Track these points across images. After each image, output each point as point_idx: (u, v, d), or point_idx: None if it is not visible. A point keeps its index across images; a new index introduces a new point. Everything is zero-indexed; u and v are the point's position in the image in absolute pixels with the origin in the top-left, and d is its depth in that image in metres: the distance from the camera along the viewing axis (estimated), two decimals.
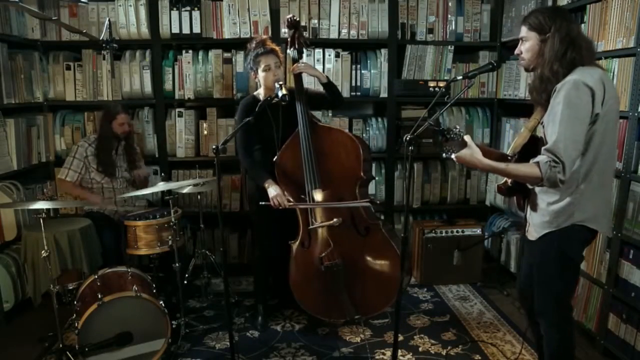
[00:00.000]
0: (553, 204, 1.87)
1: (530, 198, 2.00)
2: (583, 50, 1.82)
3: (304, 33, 3.05)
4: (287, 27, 2.80)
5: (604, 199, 1.93)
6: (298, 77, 2.79)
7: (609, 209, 2.01)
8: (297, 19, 2.77)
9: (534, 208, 1.97)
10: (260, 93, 2.88)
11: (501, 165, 1.81)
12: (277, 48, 2.81)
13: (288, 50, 2.84)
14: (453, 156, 1.81)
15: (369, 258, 2.76)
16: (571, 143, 1.73)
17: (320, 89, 2.89)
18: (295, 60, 2.82)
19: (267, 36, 2.86)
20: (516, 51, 1.99)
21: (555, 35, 1.81)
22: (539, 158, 1.75)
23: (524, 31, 1.92)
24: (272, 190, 2.72)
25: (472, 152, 1.81)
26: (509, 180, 2.00)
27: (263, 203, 2.72)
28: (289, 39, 2.81)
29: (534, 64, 1.92)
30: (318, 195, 2.75)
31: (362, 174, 2.73)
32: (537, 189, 1.93)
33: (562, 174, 1.73)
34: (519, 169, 1.79)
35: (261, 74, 2.76)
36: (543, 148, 1.77)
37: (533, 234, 1.98)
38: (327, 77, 2.85)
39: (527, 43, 1.91)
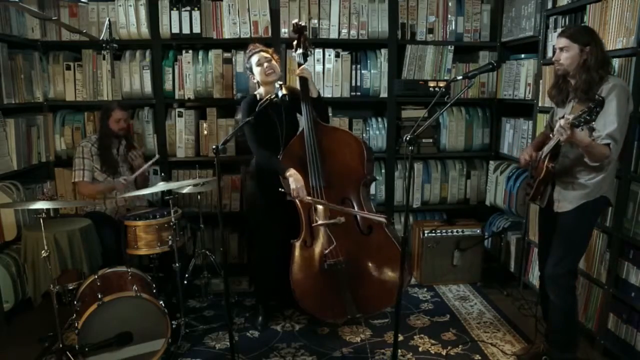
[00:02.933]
0: (592, 179, 2.26)
1: (561, 179, 2.35)
2: (610, 62, 2.29)
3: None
4: (293, 31, 2.86)
5: (614, 175, 2.39)
6: (304, 80, 2.81)
7: (614, 182, 2.43)
8: (303, 24, 2.84)
9: (569, 185, 2.33)
10: (261, 92, 2.90)
11: (593, 142, 2.12)
12: (268, 50, 2.91)
13: (294, 53, 2.89)
14: (581, 130, 2.05)
15: (371, 257, 2.76)
16: (623, 131, 2.18)
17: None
18: (300, 64, 2.86)
19: (258, 44, 2.95)
20: (555, 57, 2.31)
21: (597, 47, 2.21)
22: (606, 141, 2.13)
23: (564, 42, 2.25)
24: (294, 182, 2.66)
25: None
26: (550, 166, 2.32)
27: (282, 190, 2.69)
28: (294, 42, 2.87)
29: (572, 71, 2.26)
30: (322, 195, 2.75)
31: (365, 174, 2.74)
32: (576, 170, 2.28)
33: (616, 155, 2.19)
34: (598, 147, 2.13)
35: (256, 70, 2.84)
36: (605, 133, 2.13)
37: (567, 206, 2.33)
38: (319, 93, 2.90)
39: (569, 52, 2.24)
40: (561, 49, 2.27)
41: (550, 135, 2.28)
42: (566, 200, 2.34)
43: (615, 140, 2.13)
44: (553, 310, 2.41)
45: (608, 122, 2.13)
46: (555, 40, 2.36)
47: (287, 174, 2.69)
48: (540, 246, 2.64)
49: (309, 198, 2.68)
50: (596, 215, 2.39)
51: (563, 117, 2.28)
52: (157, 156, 3.25)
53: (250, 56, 2.86)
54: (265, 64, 2.81)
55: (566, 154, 2.30)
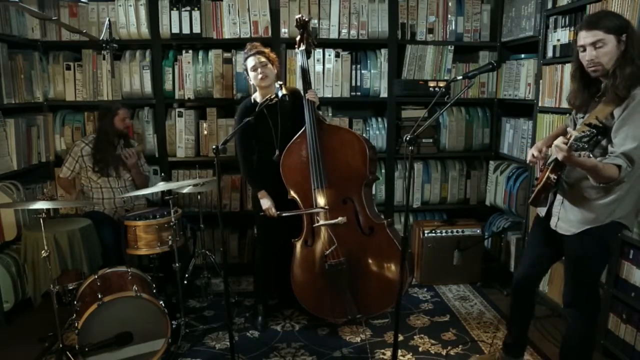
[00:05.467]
0: (598, 199, 1.94)
1: (566, 193, 2.05)
2: None
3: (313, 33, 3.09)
4: (296, 26, 2.85)
5: (637, 198, 2.00)
6: (312, 102, 2.79)
7: (637, 207, 2.05)
8: (306, 19, 2.82)
9: (575, 203, 2.02)
10: (257, 96, 2.90)
11: (598, 165, 1.80)
12: (265, 50, 2.86)
13: (296, 50, 2.87)
14: (582, 153, 1.76)
15: (372, 258, 2.76)
16: None
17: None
18: (303, 68, 2.85)
19: (258, 44, 2.92)
20: (588, 57, 1.89)
21: (635, 33, 1.83)
22: (617, 161, 1.79)
23: (597, 35, 1.84)
24: (265, 202, 2.83)
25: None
26: (552, 177, 2.00)
27: (262, 214, 2.85)
28: (297, 38, 2.86)
29: (611, 67, 1.86)
30: (323, 194, 2.76)
31: (368, 173, 2.74)
32: (584, 184, 1.95)
33: (629, 177, 1.83)
34: (605, 169, 1.79)
35: (251, 74, 2.83)
36: (620, 151, 1.79)
37: (569, 229, 2.05)
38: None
39: (606, 47, 1.84)
40: (594, 45, 1.85)
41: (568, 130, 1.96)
42: (568, 221, 2.05)
43: (631, 160, 1.78)
44: (569, 333, 2.20)
45: (629, 138, 1.78)
46: (568, 36, 2.02)
47: (259, 195, 2.84)
48: (526, 248, 2.50)
49: (278, 213, 2.79)
50: (607, 243, 2.05)
51: (583, 116, 2.04)
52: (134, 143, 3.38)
53: (246, 58, 2.83)
54: (259, 69, 2.78)
55: None
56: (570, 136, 1.72)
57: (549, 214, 2.17)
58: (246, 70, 2.87)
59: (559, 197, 2.11)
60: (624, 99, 1.83)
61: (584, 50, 1.90)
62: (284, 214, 2.77)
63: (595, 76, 1.93)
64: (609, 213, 1.96)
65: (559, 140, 1.76)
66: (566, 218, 2.07)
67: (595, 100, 1.97)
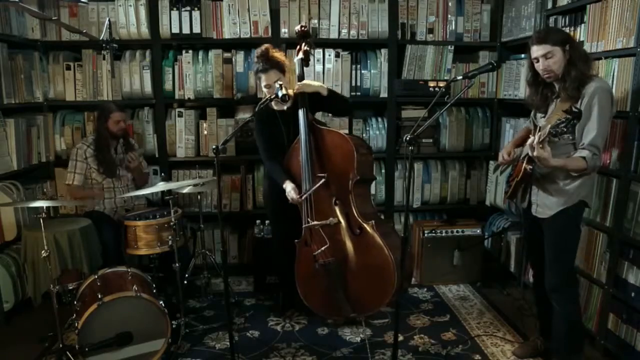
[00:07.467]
0: (569, 184, 2.24)
1: (540, 183, 2.33)
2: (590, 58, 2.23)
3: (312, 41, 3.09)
4: (297, 36, 2.88)
5: (594, 179, 2.40)
6: (302, 94, 2.82)
7: (593, 186, 2.45)
8: (307, 29, 2.86)
9: (547, 190, 2.31)
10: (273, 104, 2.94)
11: (567, 162, 2.14)
12: (281, 59, 2.83)
13: (295, 59, 2.90)
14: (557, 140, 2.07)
15: (361, 257, 2.76)
16: (604, 137, 2.17)
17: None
18: (301, 67, 2.89)
19: (270, 45, 2.88)
20: (542, 67, 2.21)
21: (575, 43, 2.20)
22: (582, 153, 2.11)
23: (546, 48, 2.17)
24: (288, 187, 2.83)
25: (549, 154, 2.06)
26: (529, 167, 2.26)
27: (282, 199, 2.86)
28: (297, 48, 2.90)
29: (561, 73, 2.19)
30: (311, 197, 2.80)
31: (355, 174, 2.74)
32: (554, 173, 2.25)
33: (599, 161, 2.15)
34: (572, 163, 2.13)
35: (264, 90, 2.88)
36: (587, 142, 2.11)
37: (547, 212, 2.32)
38: (328, 88, 2.89)
39: (555, 57, 2.17)
40: (545, 57, 2.18)
41: (530, 135, 2.18)
42: (545, 206, 2.32)
43: (597, 147, 2.11)
44: (557, 318, 2.36)
45: (589, 130, 2.12)
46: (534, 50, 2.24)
47: (284, 185, 2.84)
48: (527, 246, 2.66)
49: (299, 200, 2.80)
50: (578, 220, 2.36)
51: (544, 116, 2.32)
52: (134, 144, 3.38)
53: (259, 72, 2.82)
54: (265, 90, 2.84)
55: None
56: (540, 130, 1.98)
57: (529, 204, 2.41)
58: (257, 80, 2.94)
59: (534, 187, 2.38)
60: (575, 97, 2.15)
61: (538, 61, 2.22)
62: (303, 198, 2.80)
63: (550, 81, 2.26)
64: (577, 195, 2.25)
65: (534, 141, 2.02)
66: (543, 204, 2.34)
67: (553, 100, 2.28)
